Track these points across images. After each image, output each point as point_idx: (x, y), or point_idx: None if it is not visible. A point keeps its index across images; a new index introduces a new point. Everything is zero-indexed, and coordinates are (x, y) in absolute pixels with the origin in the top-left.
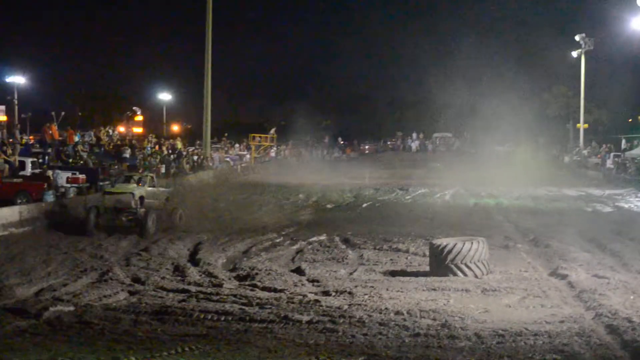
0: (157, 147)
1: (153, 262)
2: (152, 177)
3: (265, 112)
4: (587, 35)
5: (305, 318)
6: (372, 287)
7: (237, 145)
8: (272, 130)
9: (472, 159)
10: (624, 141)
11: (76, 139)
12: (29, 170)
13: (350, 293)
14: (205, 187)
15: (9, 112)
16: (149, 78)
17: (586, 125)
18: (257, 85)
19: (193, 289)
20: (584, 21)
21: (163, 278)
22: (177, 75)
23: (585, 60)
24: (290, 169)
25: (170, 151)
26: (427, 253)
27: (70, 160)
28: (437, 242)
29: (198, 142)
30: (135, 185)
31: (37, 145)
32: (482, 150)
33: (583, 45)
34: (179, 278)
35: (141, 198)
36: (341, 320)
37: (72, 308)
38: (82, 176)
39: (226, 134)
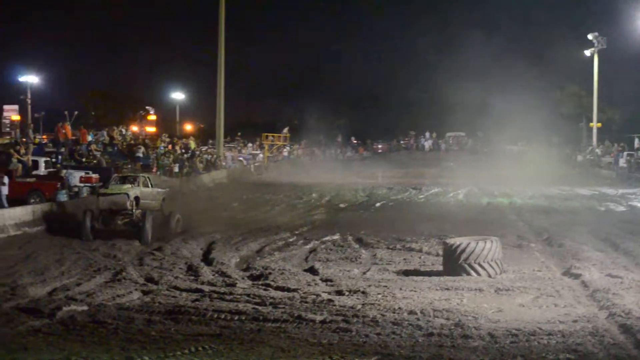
0: (170, 146)
1: (166, 262)
2: (147, 178)
3: (278, 111)
4: (600, 34)
5: (318, 317)
6: (386, 286)
7: (250, 144)
8: (285, 130)
9: (485, 158)
10: (637, 140)
11: (89, 138)
12: (42, 170)
13: (363, 292)
14: (219, 186)
15: (22, 112)
16: (162, 77)
17: (599, 125)
18: (270, 84)
19: (206, 288)
20: (596, 20)
21: (176, 277)
22: (190, 75)
23: (599, 59)
24: (303, 169)
25: (183, 150)
26: (441, 252)
27: (84, 159)
28: (450, 241)
29: (211, 141)
30: (129, 185)
31: (50, 145)
32: (495, 149)
33: (596, 44)
34: (193, 277)
35: (136, 199)
36: (354, 320)
37: (85, 307)
38: (95, 175)
39: (239, 133)
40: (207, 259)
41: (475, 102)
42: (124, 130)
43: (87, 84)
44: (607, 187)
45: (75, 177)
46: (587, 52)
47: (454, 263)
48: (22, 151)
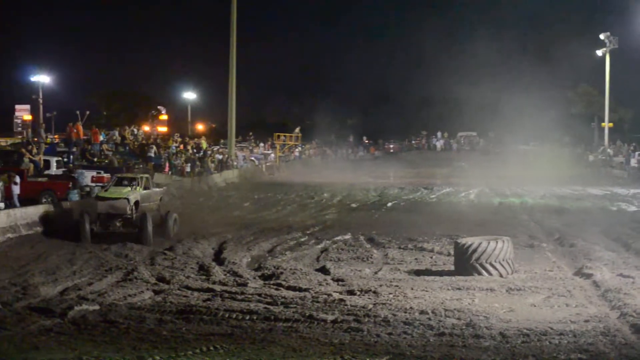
0: (181, 146)
1: (178, 262)
2: (147, 178)
3: (290, 111)
4: (612, 33)
5: (330, 317)
6: (397, 286)
7: (261, 144)
8: (297, 130)
9: (497, 158)
10: None
11: (101, 138)
12: (53, 169)
13: (375, 292)
14: (230, 186)
15: (34, 111)
16: (174, 77)
17: (611, 124)
18: (282, 84)
19: (218, 288)
20: (608, 19)
21: (188, 277)
22: (202, 74)
23: (610, 59)
24: (315, 168)
25: (195, 150)
26: (452, 252)
27: (95, 159)
28: (462, 241)
29: (222, 141)
30: (129, 189)
31: (62, 145)
32: (507, 149)
33: (608, 44)
34: (204, 277)
35: (136, 203)
36: (366, 320)
37: (97, 307)
38: (106, 175)
39: (251, 133)
40: (218, 259)
41: (487, 102)
42: (135, 130)
43: (98, 83)
44: (619, 187)
45: (86, 176)
46: (599, 52)
47: (465, 263)
48: (34, 151)
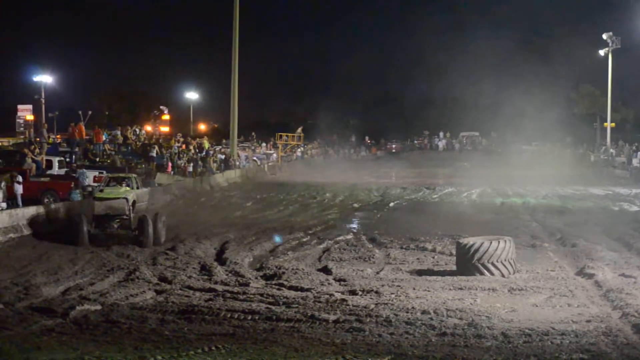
0: (184, 146)
1: (180, 261)
2: (135, 178)
3: (292, 111)
4: (615, 33)
5: (332, 317)
6: (399, 286)
7: (263, 144)
8: (300, 130)
9: (499, 158)
10: None
11: (103, 138)
12: (56, 169)
13: (377, 292)
14: (232, 186)
15: (36, 111)
16: (176, 77)
17: (613, 124)
18: (284, 84)
19: (220, 288)
20: (611, 19)
21: (190, 277)
22: (204, 74)
23: (613, 59)
24: (317, 168)
25: (197, 150)
26: (454, 252)
27: (98, 159)
28: (463, 241)
29: (224, 140)
30: (126, 188)
31: (64, 145)
32: (509, 149)
33: (610, 44)
34: (206, 277)
35: (133, 203)
36: (368, 320)
37: (99, 307)
38: (107, 173)
39: (253, 133)
40: (220, 259)
41: (489, 102)
42: (137, 130)
43: (101, 83)
44: (621, 187)
45: (88, 176)
46: (602, 52)
47: (467, 263)
48: (37, 151)
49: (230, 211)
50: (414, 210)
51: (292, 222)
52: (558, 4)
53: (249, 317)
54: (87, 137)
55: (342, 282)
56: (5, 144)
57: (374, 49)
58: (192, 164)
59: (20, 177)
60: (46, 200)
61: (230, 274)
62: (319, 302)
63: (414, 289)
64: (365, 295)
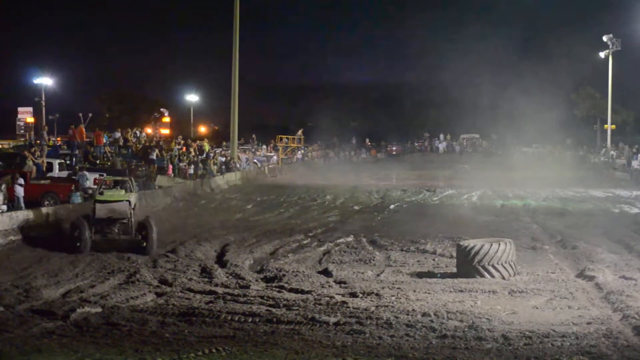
0: (184, 148)
1: (180, 264)
2: (131, 181)
3: (293, 113)
4: (615, 35)
5: (332, 319)
6: (399, 288)
7: (264, 146)
8: (300, 132)
9: (500, 160)
10: None
11: (104, 140)
12: (56, 172)
13: (377, 294)
14: (233, 188)
15: (36, 114)
16: (176, 79)
17: (614, 126)
18: (284, 86)
19: (220, 290)
20: (612, 21)
21: (190, 279)
22: (204, 77)
23: (613, 61)
24: (317, 171)
25: (197, 153)
26: (454, 254)
27: (98, 161)
28: (464, 243)
29: (225, 143)
30: (126, 191)
31: (65, 147)
32: (510, 151)
33: (610, 46)
34: (206, 279)
35: (134, 206)
36: (368, 322)
37: (99, 309)
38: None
39: (254, 136)
40: (221, 261)
41: (490, 104)
42: (138, 133)
43: (101, 86)
44: (621, 189)
45: (89, 179)
46: (602, 54)
47: (467, 265)
48: (37, 153)
49: (231, 213)
50: (415, 213)
51: (292, 224)
52: (558, 6)
53: (250, 320)
54: (88, 140)
55: (343, 285)
56: (6, 146)
57: (374, 50)
58: (192, 167)
59: (22, 180)
60: (46, 202)
61: (230, 277)
62: (320, 304)
63: (414, 291)
64: (366, 297)
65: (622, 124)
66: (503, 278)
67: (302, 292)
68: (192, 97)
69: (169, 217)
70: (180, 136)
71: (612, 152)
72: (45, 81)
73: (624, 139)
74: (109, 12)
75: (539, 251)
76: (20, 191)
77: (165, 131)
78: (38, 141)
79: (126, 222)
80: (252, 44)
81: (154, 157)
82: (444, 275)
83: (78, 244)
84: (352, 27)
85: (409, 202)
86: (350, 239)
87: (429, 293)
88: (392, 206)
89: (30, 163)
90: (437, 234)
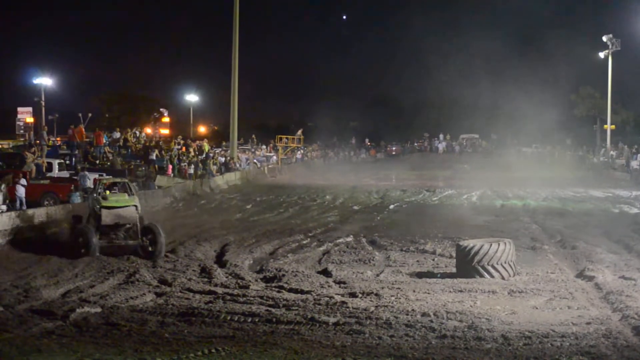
0: (183, 148)
1: (180, 264)
2: (129, 183)
3: (292, 113)
4: (615, 35)
5: (331, 320)
6: (399, 288)
7: (263, 146)
8: (299, 132)
9: (499, 160)
10: None
11: (104, 140)
12: (56, 172)
13: (376, 294)
14: (232, 188)
15: (36, 114)
16: (176, 79)
17: (613, 127)
18: (283, 86)
19: (220, 290)
20: (611, 21)
21: (190, 279)
22: (204, 77)
23: (613, 61)
24: (317, 171)
25: (197, 153)
26: (454, 254)
27: (98, 161)
28: (463, 243)
29: (224, 143)
30: (131, 195)
31: (64, 147)
32: (509, 151)
33: (610, 46)
34: (206, 279)
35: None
36: (368, 322)
37: (99, 309)
38: (102, 177)
39: (253, 136)
40: (220, 261)
41: (489, 104)
42: (137, 133)
43: (100, 86)
44: (621, 189)
45: (90, 179)
46: (602, 54)
47: (467, 265)
48: (38, 153)
49: (231, 213)
50: (414, 213)
51: (292, 224)
52: (558, 6)
53: (249, 320)
54: (87, 140)
55: (342, 285)
56: (5, 146)
57: (374, 50)
58: (192, 167)
59: (24, 180)
60: (46, 202)
61: (230, 277)
62: (319, 304)
63: (413, 291)
64: (365, 297)
65: (622, 124)
66: (502, 278)
67: (302, 292)
68: (191, 97)
69: (168, 217)
70: (179, 136)
71: (611, 152)
72: (44, 81)
73: (624, 139)
74: (108, 12)
75: (539, 251)
76: (22, 191)
77: (165, 131)
78: (38, 141)
79: (132, 227)
80: (251, 44)
81: (154, 158)
82: (444, 275)
83: (83, 250)
84: (353, 25)
85: (409, 202)
86: (349, 239)
87: (428, 293)
88: (391, 206)
89: (32, 162)
90: (437, 234)
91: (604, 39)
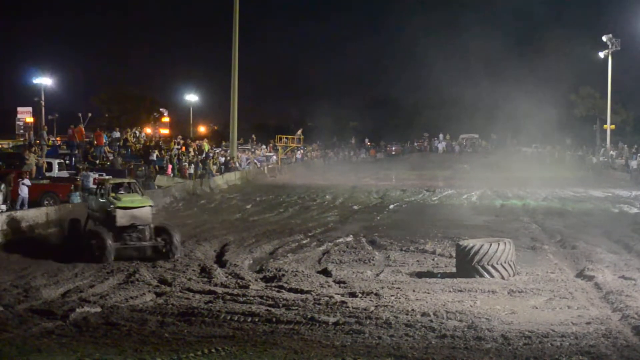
0: (183, 148)
1: (179, 264)
2: (136, 183)
3: (292, 113)
4: (614, 35)
5: (331, 319)
6: (399, 288)
7: (263, 146)
8: (299, 132)
9: (499, 160)
10: None
11: (104, 140)
12: (55, 172)
13: (376, 294)
14: (232, 188)
15: (36, 114)
16: (175, 79)
17: (613, 127)
18: (283, 86)
19: (219, 290)
20: (611, 21)
21: (189, 279)
22: (204, 77)
23: (613, 61)
24: (317, 170)
25: (197, 152)
26: (454, 254)
27: (98, 161)
28: (463, 243)
29: (224, 143)
30: (142, 195)
31: (64, 147)
32: (509, 151)
33: (610, 46)
34: (206, 279)
35: None
36: (367, 322)
37: (98, 309)
38: (108, 177)
39: (253, 135)
40: (220, 261)
41: (489, 103)
42: (137, 132)
43: (100, 86)
44: (621, 189)
45: (92, 178)
46: (601, 54)
47: (467, 265)
48: (38, 153)
49: (230, 213)
50: (414, 213)
51: (291, 224)
52: (558, 6)
53: (249, 320)
54: (87, 140)
55: (342, 285)
56: (5, 146)
57: (373, 50)
58: (192, 167)
59: (28, 180)
60: (46, 202)
61: (230, 276)
62: (319, 304)
63: (413, 291)
64: (365, 297)
65: (622, 124)
66: (502, 278)
67: (302, 292)
68: (191, 97)
69: (168, 217)
70: (179, 136)
71: (611, 152)
72: (44, 81)
73: (624, 139)
74: (108, 12)
75: (539, 251)
76: (26, 191)
77: (165, 131)
78: (37, 141)
79: (145, 228)
80: (251, 44)
81: (154, 158)
82: (444, 275)
83: (97, 254)
84: (353, 25)
85: (409, 202)
86: (349, 238)
87: (428, 293)
88: (391, 206)
89: (34, 161)
90: (437, 233)
91: (604, 39)
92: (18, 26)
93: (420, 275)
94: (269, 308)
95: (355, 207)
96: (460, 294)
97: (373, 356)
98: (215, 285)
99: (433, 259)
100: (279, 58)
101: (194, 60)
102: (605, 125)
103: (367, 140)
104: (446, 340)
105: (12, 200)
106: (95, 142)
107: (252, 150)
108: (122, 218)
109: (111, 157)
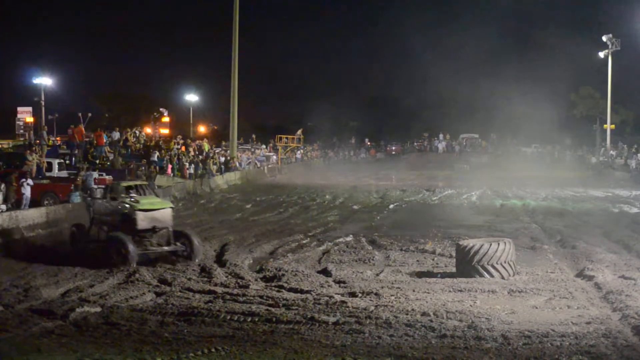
0: (183, 147)
1: (179, 264)
2: (149, 185)
3: (292, 113)
4: (614, 35)
5: (331, 319)
6: (399, 288)
7: (263, 146)
8: (299, 132)
9: (499, 160)
10: None
11: (104, 140)
12: (55, 172)
13: (376, 294)
14: (232, 188)
15: (36, 114)
16: (175, 79)
17: (613, 126)
18: (283, 86)
19: (219, 290)
20: (611, 21)
21: (189, 279)
22: (204, 76)
23: (612, 61)
24: (317, 170)
25: (197, 152)
26: (454, 254)
27: (98, 161)
28: (463, 243)
29: (224, 143)
30: (158, 197)
31: (64, 147)
32: (509, 151)
33: (610, 46)
34: (206, 279)
35: None
36: (367, 322)
37: (98, 309)
38: (109, 177)
39: (253, 135)
40: (220, 261)
41: (489, 104)
42: (137, 132)
43: (100, 86)
44: (621, 189)
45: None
46: (601, 54)
47: (467, 264)
48: (39, 152)
49: (230, 213)
50: (414, 212)
51: (291, 224)
52: (558, 6)
53: (249, 319)
54: (87, 140)
55: (342, 284)
56: (5, 146)
57: (374, 50)
58: (192, 166)
59: (30, 180)
60: (46, 202)
61: (230, 276)
62: (319, 304)
63: (413, 290)
64: (365, 297)
65: (622, 124)
66: (502, 278)
67: (302, 291)
68: (191, 97)
69: None
70: (179, 136)
71: (611, 152)
72: (44, 81)
73: (624, 139)
74: (108, 12)
75: (539, 251)
76: (29, 191)
77: (165, 131)
78: (37, 141)
79: (164, 232)
80: (251, 44)
81: (154, 159)
82: (444, 275)
83: (119, 259)
84: (353, 25)
85: (409, 202)
86: (349, 238)
87: (428, 293)
88: (391, 206)
89: (35, 161)
90: (437, 233)
91: (604, 38)
92: (18, 26)
93: (420, 275)
94: (269, 308)
95: (355, 207)
96: (460, 293)
97: (373, 356)
98: (215, 285)
99: (433, 259)
100: (279, 58)
101: (194, 60)
102: (605, 125)
103: (367, 140)
104: (446, 340)
105: (17, 200)
106: (96, 142)
107: (252, 150)
108: (142, 221)
109: (111, 157)
